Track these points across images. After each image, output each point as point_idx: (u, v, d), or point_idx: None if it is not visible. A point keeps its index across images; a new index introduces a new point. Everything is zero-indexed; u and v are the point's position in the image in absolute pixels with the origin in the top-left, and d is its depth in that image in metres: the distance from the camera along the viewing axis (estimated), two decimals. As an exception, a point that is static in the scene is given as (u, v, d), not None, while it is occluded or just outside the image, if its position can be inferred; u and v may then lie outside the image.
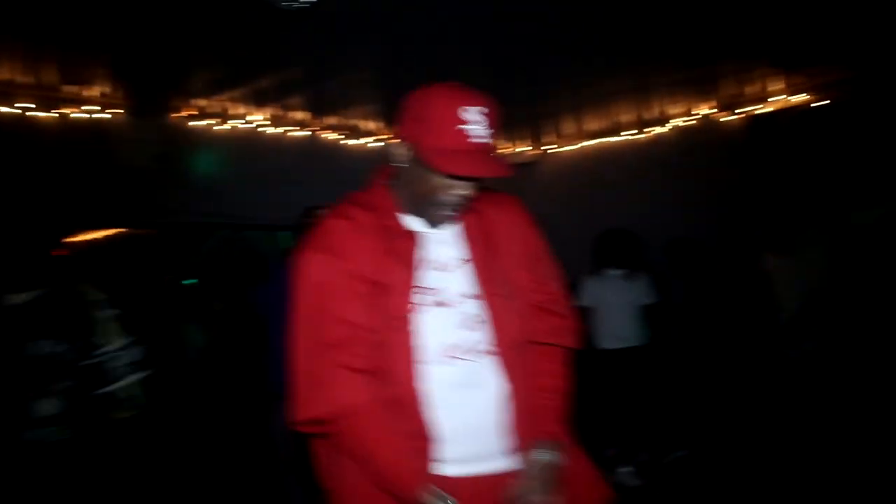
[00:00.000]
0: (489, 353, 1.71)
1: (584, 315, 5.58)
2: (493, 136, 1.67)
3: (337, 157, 7.82)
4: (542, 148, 9.27)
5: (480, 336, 1.71)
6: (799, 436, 5.10)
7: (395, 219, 1.74)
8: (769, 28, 5.45)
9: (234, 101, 6.75)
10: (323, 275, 1.69)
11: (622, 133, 8.40)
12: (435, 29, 5.36)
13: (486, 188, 1.79)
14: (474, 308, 1.72)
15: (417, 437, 1.63)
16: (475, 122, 1.62)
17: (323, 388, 1.65)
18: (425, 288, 1.70)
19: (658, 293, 5.60)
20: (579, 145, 8.89)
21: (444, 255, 1.75)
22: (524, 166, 9.35)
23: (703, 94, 7.31)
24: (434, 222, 1.74)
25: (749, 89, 7.14)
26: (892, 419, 4.87)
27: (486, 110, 1.65)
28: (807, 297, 4.99)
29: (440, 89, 1.67)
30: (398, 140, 1.72)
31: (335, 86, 6.43)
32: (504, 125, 6.05)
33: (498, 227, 1.82)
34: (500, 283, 1.75)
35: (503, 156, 1.61)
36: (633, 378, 5.45)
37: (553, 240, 6.31)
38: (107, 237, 9.28)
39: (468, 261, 1.76)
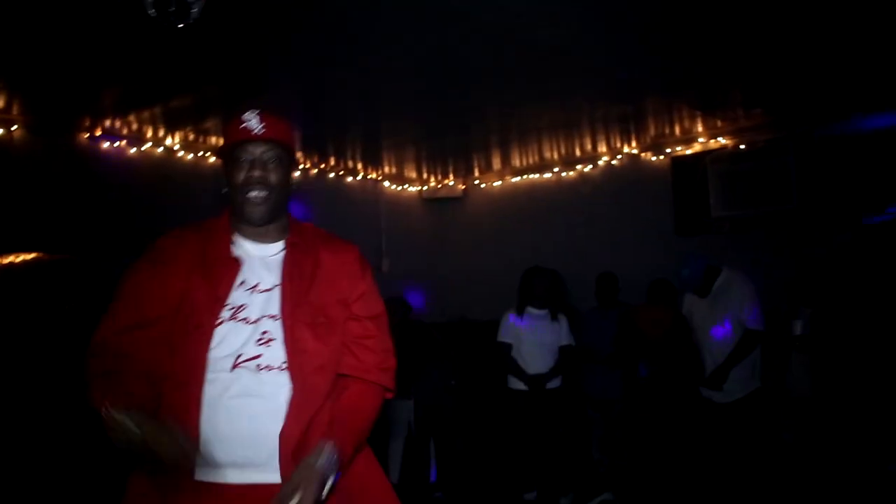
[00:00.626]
0: (277, 369, 1.87)
1: (502, 350, 5.50)
2: (272, 126, 1.97)
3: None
4: (471, 182, 9.20)
5: (271, 353, 1.87)
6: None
7: (224, 242, 2.00)
8: (693, 70, 5.48)
9: (147, 122, 6.42)
10: (138, 277, 1.94)
11: (550, 170, 8.37)
12: (367, 62, 5.20)
13: (333, 236, 2.16)
14: (271, 327, 1.90)
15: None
16: (249, 119, 1.95)
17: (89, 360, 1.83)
18: (231, 306, 1.90)
19: (573, 335, 5.65)
20: (507, 181, 8.86)
21: (259, 278, 1.97)
22: (452, 201, 9.29)
23: (629, 133, 7.32)
24: (252, 219, 1.98)
25: (672, 131, 7.21)
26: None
27: (260, 112, 1.98)
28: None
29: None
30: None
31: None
32: (432, 158, 5.94)
33: (325, 264, 2.04)
34: (306, 309, 1.94)
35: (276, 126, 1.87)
36: (550, 419, 5.38)
37: (478, 274, 6.21)
38: (23, 261, 8.79)
39: (278, 285, 1.96)
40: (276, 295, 1.94)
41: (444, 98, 6.11)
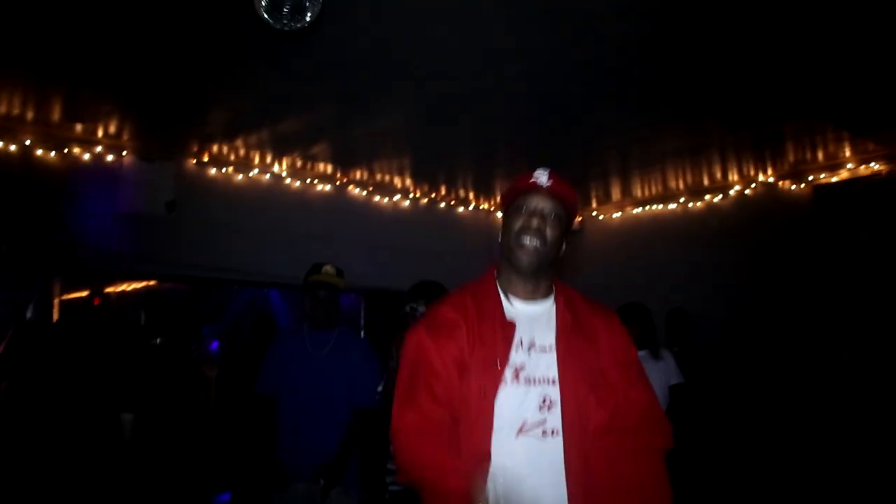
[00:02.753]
0: (558, 434, 1.92)
1: None
2: (557, 182, 2.13)
3: (364, 213, 7.45)
4: (589, 214, 8.81)
5: (553, 418, 1.93)
6: None
7: (497, 303, 2.09)
8: (838, 89, 4.95)
9: (255, 148, 6.40)
10: (424, 352, 2.02)
11: (675, 200, 7.89)
12: (478, 87, 4.99)
13: (593, 299, 2.24)
14: (551, 390, 1.96)
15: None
16: (540, 175, 2.12)
17: (397, 442, 1.98)
18: (511, 367, 1.97)
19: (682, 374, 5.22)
20: (627, 212, 8.42)
21: (532, 336, 2.05)
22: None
23: (763, 160, 6.76)
24: (519, 267, 2.09)
25: (815, 156, 6.59)
26: None
27: (553, 171, 2.14)
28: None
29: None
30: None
31: (363, 136, 6.05)
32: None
33: (594, 326, 2.12)
34: (585, 372, 1.99)
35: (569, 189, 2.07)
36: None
37: None
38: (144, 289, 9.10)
39: (554, 346, 2.03)
40: (552, 356, 2.02)
41: (560, 123, 5.81)
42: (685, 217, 7.90)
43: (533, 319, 2.08)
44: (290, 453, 3.79)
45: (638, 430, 2.03)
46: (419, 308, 3.94)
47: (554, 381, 1.97)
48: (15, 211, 5.49)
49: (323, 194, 7.26)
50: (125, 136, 5.93)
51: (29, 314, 6.85)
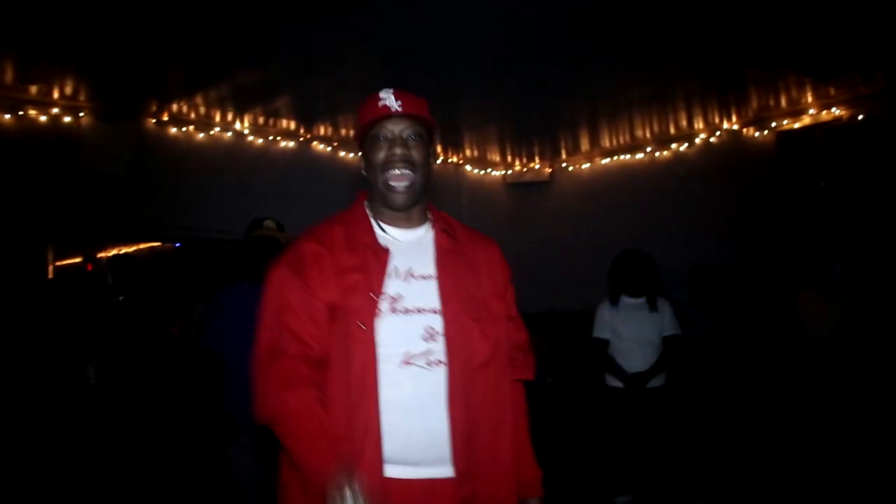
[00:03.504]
0: (443, 364, 1.85)
1: (598, 347, 5.11)
2: (409, 103, 1.95)
3: (329, 169, 7.45)
4: (558, 165, 8.85)
5: (436, 347, 1.85)
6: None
7: (369, 233, 1.97)
8: (800, 34, 4.97)
9: (215, 105, 6.35)
10: (284, 290, 1.89)
11: (642, 150, 7.95)
12: (441, 35, 4.95)
13: (473, 228, 2.15)
14: (434, 320, 1.87)
15: (366, 437, 1.77)
16: (385, 97, 1.94)
17: (267, 393, 1.85)
18: (389, 296, 1.86)
19: (680, 324, 5.12)
20: (596, 162, 8.47)
21: (411, 266, 1.94)
22: (538, 185, 8.97)
23: (728, 107, 6.82)
24: (392, 203, 1.96)
25: (778, 102, 6.66)
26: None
27: (401, 91, 1.97)
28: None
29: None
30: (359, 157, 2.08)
31: (326, 90, 6.02)
32: (516, 140, 5.66)
33: (475, 256, 2.04)
34: (467, 302, 1.91)
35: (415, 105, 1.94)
36: (650, 419, 4.95)
37: (567, 262, 5.80)
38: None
39: (434, 276, 1.93)
40: (432, 285, 1.92)
41: (527, 73, 5.80)
42: (652, 166, 7.98)
43: (409, 247, 1.99)
44: (238, 407, 3.84)
45: (513, 363, 2.03)
46: None
47: (436, 311, 1.88)
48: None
49: (287, 150, 7.23)
50: (81, 97, 5.86)
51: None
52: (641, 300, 5.03)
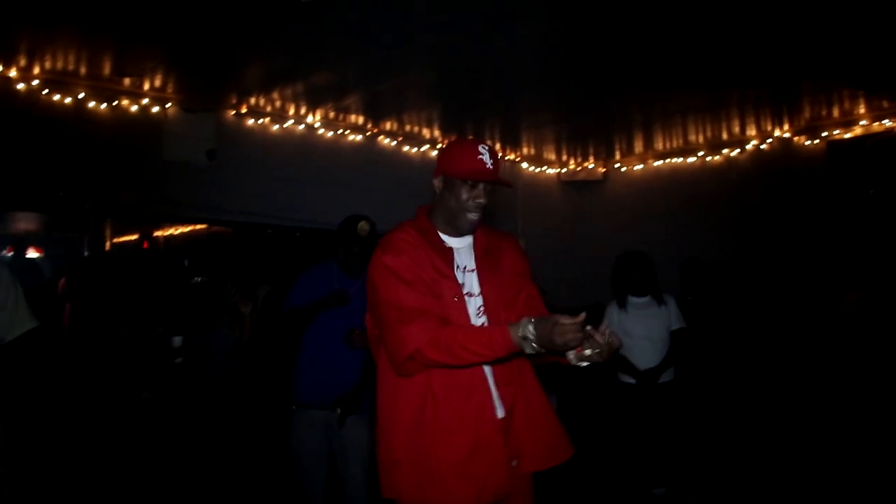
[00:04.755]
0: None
1: None
2: (497, 165, 2.60)
3: (394, 163, 7.85)
4: (612, 166, 9.11)
5: (483, 321, 2.59)
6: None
7: (436, 236, 2.67)
8: (854, 48, 5.18)
9: (290, 100, 6.79)
10: (394, 265, 2.51)
11: (694, 154, 8.20)
12: (502, 40, 5.25)
13: (495, 229, 2.85)
14: (480, 301, 2.61)
15: (485, 387, 2.55)
16: (485, 154, 2.57)
17: (410, 332, 2.40)
18: (459, 283, 2.60)
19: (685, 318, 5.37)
20: (649, 164, 8.72)
21: (466, 263, 2.67)
22: (591, 184, 9.24)
23: (780, 116, 7.06)
24: (462, 229, 2.65)
25: (830, 112, 6.88)
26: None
27: (492, 149, 2.61)
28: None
29: (462, 140, 2.66)
30: (436, 178, 2.68)
31: (390, 88, 6.40)
32: (572, 140, 5.96)
33: (501, 249, 2.76)
34: (497, 286, 2.65)
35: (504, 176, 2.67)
36: (663, 414, 5.19)
37: (614, 259, 5.93)
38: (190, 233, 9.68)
39: (474, 269, 2.67)
40: (475, 275, 2.63)
41: (585, 77, 6.07)
42: (704, 170, 8.22)
43: (460, 250, 2.67)
44: (309, 383, 4.22)
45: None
46: None
47: (479, 294, 2.60)
48: (69, 160, 5.93)
49: (354, 144, 7.63)
50: (169, 90, 6.33)
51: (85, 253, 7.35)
52: (647, 298, 5.28)
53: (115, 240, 10.71)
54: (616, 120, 7.56)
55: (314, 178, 7.16)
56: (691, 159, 8.30)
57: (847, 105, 6.64)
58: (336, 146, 7.50)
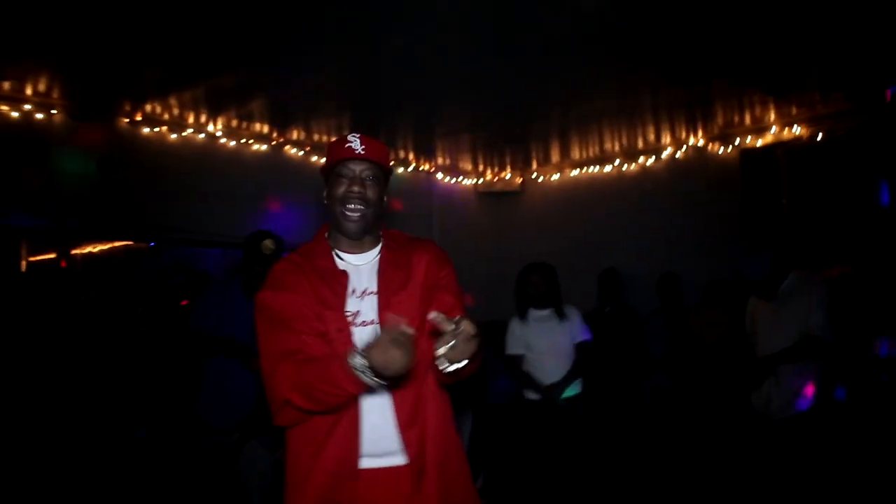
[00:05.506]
0: None
1: (512, 363, 5.23)
2: (371, 148, 2.30)
3: (301, 174, 7.56)
4: (529, 176, 9.02)
5: None
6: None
7: (329, 259, 2.34)
8: (763, 51, 5.18)
9: (189, 107, 6.45)
10: (268, 304, 2.25)
11: (611, 162, 8.19)
12: (416, 45, 5.08)
13: (414, 238, 2.51)
14: (377, 330, 2.21)
15: (350, 432, 2.17)
16: (355, 140, 2.29)
17: (277, 380, 2.13)
18: (349, 312, 2.24)
19: (590, 329, 5.27)
20: (566, 174, 8.66)
21: (364, 284, 2.32)
22: (509, 194, 9.12)
23: (695, 122, 7.07)
24: (349, 234, 2.32)
25: (742, 119, 6.92)
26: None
27: (367, 136, 2.32)
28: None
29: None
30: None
31: (299, 93, 6.14)
32: (488, 149, 5.81)
33: (410, 263, 2.37)
34: (401, 309, 2.19)
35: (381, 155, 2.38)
36: (567, 429, 5.04)
37: None
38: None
39: (375, 292, 2.30)
40: (375, 299, 2.27)
41: (501, 83, 5.95)
42: (621, 179, 8.18)
43: (361, 270, 2.33)
44: (209, 405, 3.97)
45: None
46: None
47: (375, 322, 2.23)
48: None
49: (259, 154, 7.33)
50: (55, 95, 5.93)
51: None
52: (549, 311, 5.17)
53: (32, 258, 10.12)
54: (532, 127, 7.46)
55: (216, 189, 6.82)
56: (608, 168, 8.24)
57: (758, 111, 6.67)
58: (239, 156, 7.18)
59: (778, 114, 6.67)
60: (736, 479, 5.03)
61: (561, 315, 5.14)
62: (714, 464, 5.29)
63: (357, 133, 2.32)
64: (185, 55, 5.29)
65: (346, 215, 2.28)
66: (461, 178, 9.16)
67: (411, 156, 8.41)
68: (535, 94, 6.28)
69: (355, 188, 2.27)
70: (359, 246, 2.36)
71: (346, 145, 2.27)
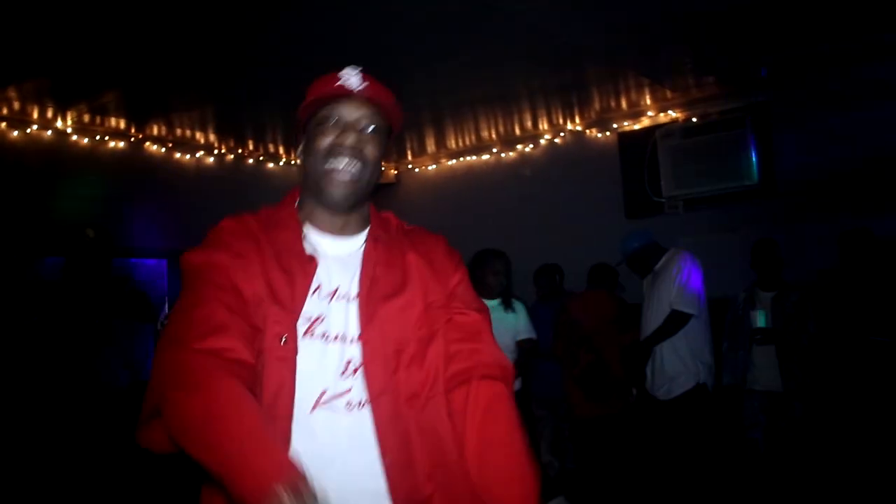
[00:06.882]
0: (365, 405, 1.53)
1: None
2: (373, 86, 1.68)
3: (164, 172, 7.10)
4: (404, 167, 8.85)
5: (358, 385, 1.54)
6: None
7: (295, 235, 1.64)
8: (636, 34, 5.20)
9: (32, 99, 5.90)
10: (198, 262, 1.56)
11: (488, 151, 8.12)
12: (277, 33, 4.80)
13: (418, 228, 1.86)
14: (353, 351, 1.56)
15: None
16: (348, 76, 1.66)
17: (167, 368, 1.44)
18: (306, 317, 1.55)
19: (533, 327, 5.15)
20: (443, 164, 8.54)
21: (336, 282, 1.62)
22: (384, 187, 8.91)
23: (571, 108, 7.07)
24: (330, 202, 1.64)
25: (619, 104, 6.96)
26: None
27: (365, 72, 1.69)
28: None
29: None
30: (297, 145, 1.75)
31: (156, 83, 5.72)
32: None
33: (408, 264, 1.70)
34: (394, 326, 1.59)
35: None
36: None
37: None
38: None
39: (356, 297, 1.61)
40: (354, 307, 1.60)
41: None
42: (498, 167, 8.13)
43: (338, 260, 1.66)
44: None
45: (476, 363, 1.68)
46: None
47: (354, 340, 1.57)
48: None
49: (116, 151, 6.83)
50: None
51: None
52: (495, 302, 4.89)
53: None
54: (405, 116, 7.24)
55: (68, 191, 6.28)
56: (485, 156, 8.18)
57: (634, 96, 6.74)
58: (94, 154, 6.65)
59: (653, 98, 6.75)
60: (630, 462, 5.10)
61: (509, 307, 4.92)
62: (608, 447, 5.33)
63: (355, 67, 1.71)
64: (22, 41, 4.80)
65: (332, 176, 1.62)
66: (334, 170, 8.86)
67: (281, 149, 8.09)
68: (405, 77, 6.05)
69: (350, 137, 1.63)
70: (339, 226, 1.69)
71: (339, 81, 1.65)
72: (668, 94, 6.64)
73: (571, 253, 6.45)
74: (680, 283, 4.64)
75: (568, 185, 7.37)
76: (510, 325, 4.91)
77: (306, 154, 1.69)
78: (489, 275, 4.87)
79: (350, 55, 4.88)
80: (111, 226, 5.84)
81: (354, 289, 1.62)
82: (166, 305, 6.25)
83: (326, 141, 1.64)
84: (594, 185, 7.23)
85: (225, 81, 5.81)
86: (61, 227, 5.69)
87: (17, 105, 5.96)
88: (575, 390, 5.46)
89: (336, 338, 1.56)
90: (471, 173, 8.36)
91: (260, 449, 1.28)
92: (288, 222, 1.67)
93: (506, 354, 1.96)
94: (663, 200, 6.73)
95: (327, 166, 1.62)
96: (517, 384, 4.89)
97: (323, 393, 1.51)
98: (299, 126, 1.76)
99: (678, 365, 4.67)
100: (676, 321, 4.61)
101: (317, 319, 1.55)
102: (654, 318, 4.78)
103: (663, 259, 4.83)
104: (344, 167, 1.62)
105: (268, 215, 1.69)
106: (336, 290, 1.61)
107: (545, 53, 5.54)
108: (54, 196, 6.14)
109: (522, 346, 4.98)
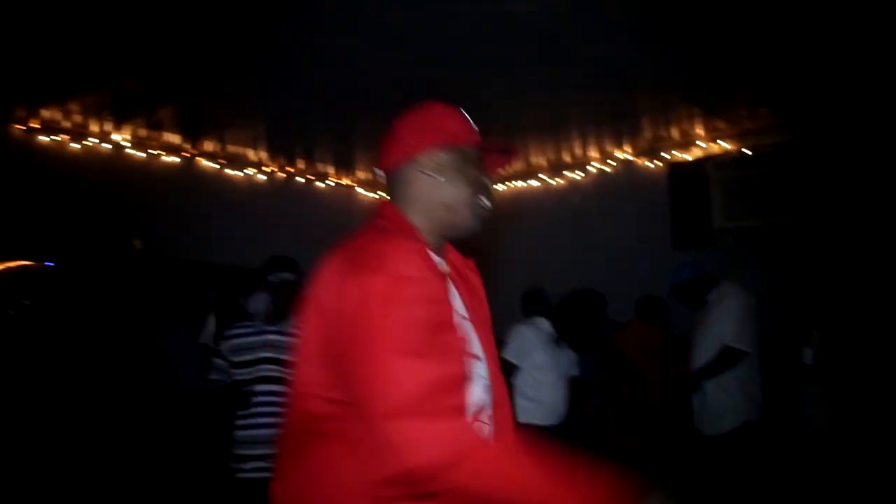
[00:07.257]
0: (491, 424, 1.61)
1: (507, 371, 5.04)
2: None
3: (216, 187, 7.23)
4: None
5: (489, 400, 1.61)
6: None
7: (429, 257, 1.54)
8: (692, 63, 5.17)
9: (93, 113, 6.06)
10: (426, 293, 1.43)
11: (536, 177, 8.14)
12: (326, 41, 4.88)
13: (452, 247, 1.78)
14: (482, 368, 1.60)
15: None
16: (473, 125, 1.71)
17: (437, 427, 1.34)
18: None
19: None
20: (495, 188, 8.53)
21: (457, 304, 1.63)
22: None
23: (621, 136, 7.06)
24: (470, 227, 1.65)
25: (670, 133, 6.92)
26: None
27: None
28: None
29: (434, 104, 1.76)
30: (405, 162, 1.68)
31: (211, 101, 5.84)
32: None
33: (475, 286, 1.78)
34: (490, 344, 1.68)
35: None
36: None
37: None
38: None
39: (466, 316, 1.63)
40: (469, 325, 1.63)
41: (420, 93, 5.73)
42: (547, 194, 8.11)
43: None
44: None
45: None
46: (285, 275, 3.86)
47: (480, 358, 1.59)
48: None
49: (170, 166, 6.98)
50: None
51: None
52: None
53: None
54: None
55: (124, 204, 6.40)
56: (534, 182, 8.17)
57: (685, 125, 6.69)
58: (149, 168, 6.80)
59: (705, 128, 6.70)
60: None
61: (559, 343, 4.79)
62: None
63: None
64: (88, 58, 4.95)
65: (478, 211, 1.65)
66: (382, 193, 8.92)
67: (330, 169, 8.18)
68: (456, 103, 6.10)
69: (489, 182, 1.71)
70: (438, 247, 1.67)
71: (473, 129, 1.72)
72: (721, 124, 6.58)
73: (617, 281, 6.38)
74: (734, 319, 4.55)
75: (616, 212, 7.32)
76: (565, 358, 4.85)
77: (451, 175, 1.65)
78: (593, 318, 4.90)
79: (401, 84, 4.99)
80: (161, 238, 5.97)
81: (461, 309, 1.63)
82: (212, 318, 6.28)
83: (478, 177, 1.67)
84: (642, 213, 7.16)
85: (274, 102, 5.92)
86: (112, 237, 5.83)
87: (78, 118, 6.13)
88: (612, 419, 5.40)
89: (478, 356, 1.60)
90: (519, 199, 8.36)
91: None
92: (422, 245, 1.55)
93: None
94: (713, 232, 6.63)
95: (476, 201, 1.65)
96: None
97: (481, 410, 1.56)
98: (409, 147, 1.70)
99: (726, 401, 4.56)
100: (729, 358, 4.49)
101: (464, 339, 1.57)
102: (704, 352, 4.68)
103: (715, 292, 4.75)
104: (486, 205, 1.67)
105: (407, 238, 1.56)
106: (460, 309, 1.62)
107: (599, 81, 5.56)
108: (109, 207, 6.27)
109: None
